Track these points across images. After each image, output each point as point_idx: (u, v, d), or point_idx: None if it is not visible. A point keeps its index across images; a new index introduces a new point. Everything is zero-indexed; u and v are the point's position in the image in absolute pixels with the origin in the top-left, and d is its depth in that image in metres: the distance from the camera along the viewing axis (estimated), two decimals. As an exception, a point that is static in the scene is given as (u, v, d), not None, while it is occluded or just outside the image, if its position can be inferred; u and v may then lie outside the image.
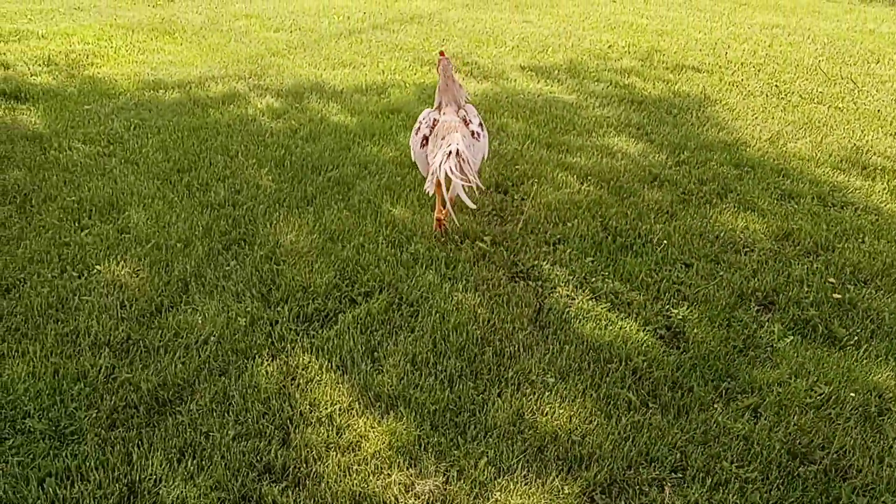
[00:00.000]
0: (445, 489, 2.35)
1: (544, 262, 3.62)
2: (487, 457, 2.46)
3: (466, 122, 3.74)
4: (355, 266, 3.50)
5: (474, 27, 9.14)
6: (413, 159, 3.92)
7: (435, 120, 3.73)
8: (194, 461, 2.39)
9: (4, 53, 6.82)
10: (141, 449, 2.42)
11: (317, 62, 7.20)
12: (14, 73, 6.20)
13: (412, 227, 3.86)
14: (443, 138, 3.56)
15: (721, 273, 3.62)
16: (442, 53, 3.89)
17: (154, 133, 4.98)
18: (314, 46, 7.89)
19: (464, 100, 3.86)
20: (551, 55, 7.84)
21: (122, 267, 3.41)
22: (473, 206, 3.53)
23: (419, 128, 3.77)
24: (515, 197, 4.31)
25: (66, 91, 5.80)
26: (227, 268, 3.45)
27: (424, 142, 3.73)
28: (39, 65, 6.57)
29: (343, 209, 4.05)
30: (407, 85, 6.46)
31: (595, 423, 2.65)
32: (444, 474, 2.40)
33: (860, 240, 3.99)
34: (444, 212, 3.77)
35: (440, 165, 3.39)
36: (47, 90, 5.78)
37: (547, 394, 2.76)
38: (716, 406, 2.76)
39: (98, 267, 3.39)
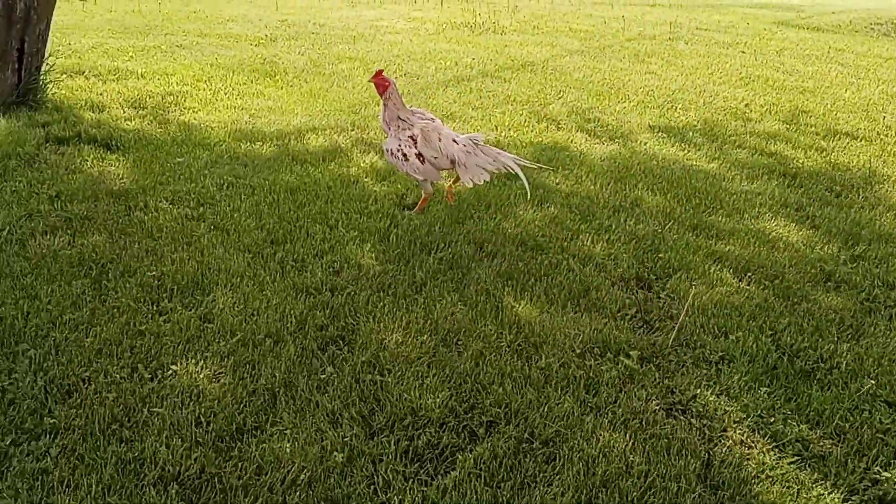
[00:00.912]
0: None
1: (707, 391, 2.99)
2: None
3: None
4: (474, 383, 2.95)
5: (592, 78, 8.61)
6: (420, 180, 4.23)
7: (410, 137, 4.10)
8: None
9: (101, 94, 6.67)
10: None
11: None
12: (108, 117, 5.99)
13: (542, 332, 3.30)
14: (439, 140, 4.07)
15: (938, 420, 2.90)
16: (381, 72, 4.14)
17: (248, 194, 4.59)
18: (420, 95, 7.50)
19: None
20: (682, 113, 7.21)
21: (202, 368, 2.96)
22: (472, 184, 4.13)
23: (403, 153, 4.12)
24: (662, 295, 3.70)
25: (159, 139, 5.52)
26: (323, 376, 2.95)
27: (421, 158, 4.10)
28: (134, 108, 6.37)
29: (457, 301, 3.52)
30: (524, 144, 5.94)
31: None
32: None
33: None
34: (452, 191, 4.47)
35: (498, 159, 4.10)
36: (139, 138, 5.51)
37: None
38: None
39: (174, 367, 2.95)
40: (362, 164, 5.27)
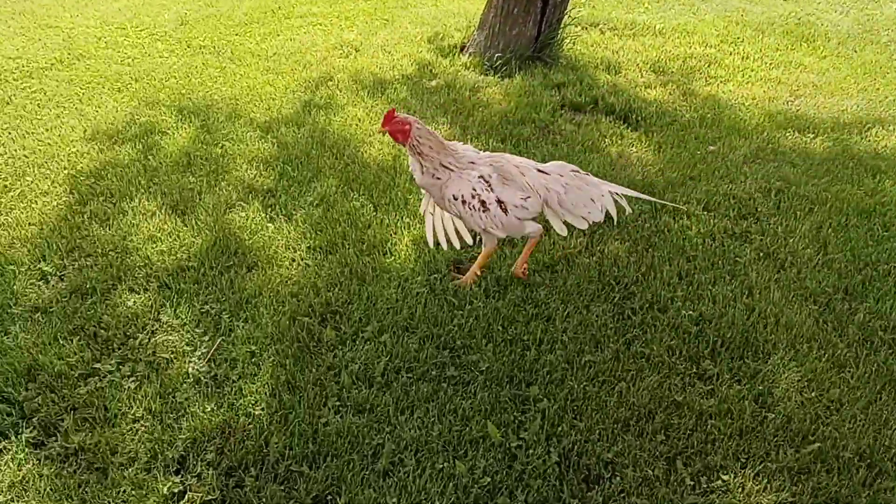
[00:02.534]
0: None
1: None
2: None
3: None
4: None
5: None
6: (502, 235, 2.89)
7: (480, 178, 2.81)
8: None
9: (616, 52, 6.14)
10: None
11: None
12: (625, 82, 5.43)
13: None
14: (522, 175, 2.81)
15: None
16: (392, 112, 2.76)
17: (804, 210, 3.64)
18: None
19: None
20: None
21: (764, 488, 2.16)
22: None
23: (481, 200, 2.79)
24: None
25: (684, 117, 4.79)
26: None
27: (503, 206, 2.80)
28: (654, 72, 5.72)
29: None
30: None
31: None
32: None
33: None
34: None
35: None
36: (661, 112, 4.84)
37: None
38: None
39: (724, 477, 2.20)
40: (961, 184, 3.95)
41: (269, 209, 3.62)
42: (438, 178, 2.79)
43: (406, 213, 3.56)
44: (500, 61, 5.53)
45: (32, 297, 3.01)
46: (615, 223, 3.23)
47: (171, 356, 2.69)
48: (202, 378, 2.60)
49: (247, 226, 3.48)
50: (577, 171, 2.90)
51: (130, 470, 2.26)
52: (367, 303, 2.95)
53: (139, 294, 3.02)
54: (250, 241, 3.36)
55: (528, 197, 2.80)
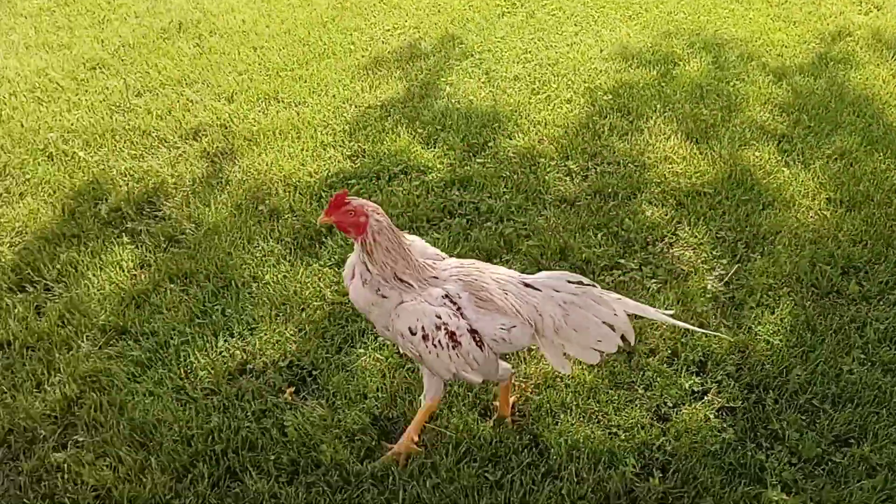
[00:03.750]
0: None
1: None
2: None
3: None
4: None
5: None
6: (477, 380, 2.10)
7: (446, 297, 1.99)
8: None
9: None
10: None
11: None
12: None
13: None
14: (505, 294, 2.04)
15: None
16: (344, 196, 1.94)
17: None
18: None
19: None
20: None
21: None
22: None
23: (450, 333, 1.96)
24: None
25: None
26: None
27: (477, 338, 2.00)
28: None
29: None
30: None
31: None
32: None
33: None
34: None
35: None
36: None
37: None
38: None
39: None
40: None
41: (784, 154, 3.60)
42: (385, 297, 2.01)
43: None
44: None
45: (560, 188, 3.36)
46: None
47: (690, 269, 2.85)
48: (720, 296, 2.72)
49: (761, 165, 3.50)
50: (581, 284, 2.11)
51: (653, 359, 2.47)
52: (894, 266, 2.83)
53: (657, 207, 3.22)
54: (765, 181, 3.39)
55: (514, 326, 2.05)
